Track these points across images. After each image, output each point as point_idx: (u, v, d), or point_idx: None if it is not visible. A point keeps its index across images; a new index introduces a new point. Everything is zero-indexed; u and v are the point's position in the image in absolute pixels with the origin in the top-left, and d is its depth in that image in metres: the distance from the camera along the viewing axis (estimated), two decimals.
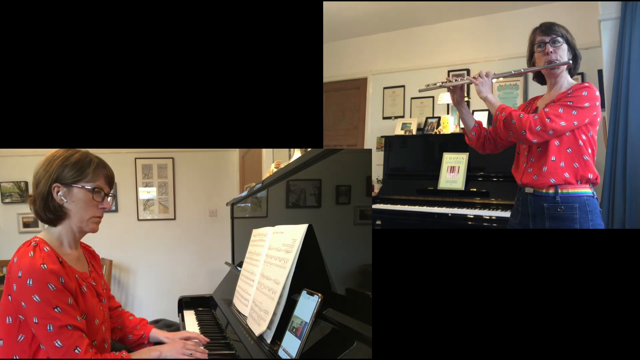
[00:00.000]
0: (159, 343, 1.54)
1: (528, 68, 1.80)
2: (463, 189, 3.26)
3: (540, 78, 1.84)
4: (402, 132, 4.05)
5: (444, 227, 3.08)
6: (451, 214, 3.07)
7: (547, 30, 1.71)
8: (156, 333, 1.59)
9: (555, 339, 1.18)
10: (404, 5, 3.74)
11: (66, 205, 1.27)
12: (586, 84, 1.65)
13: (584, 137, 1.66)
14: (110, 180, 1.37)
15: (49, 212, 1.27)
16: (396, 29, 4.32)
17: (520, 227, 1.80)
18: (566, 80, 1.74)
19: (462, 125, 2.03)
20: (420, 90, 1.96)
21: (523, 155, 1.80)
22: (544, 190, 1.69)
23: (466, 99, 3.78)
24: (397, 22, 4.19)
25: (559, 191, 1.66)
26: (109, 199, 1.36)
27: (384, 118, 4.43)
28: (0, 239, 4.29)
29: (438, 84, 1.88)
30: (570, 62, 1.71)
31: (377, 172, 4.02)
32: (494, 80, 3.82)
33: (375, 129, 4.47)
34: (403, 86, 4.30)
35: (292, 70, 1.46)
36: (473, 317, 1.21)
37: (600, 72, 3.10)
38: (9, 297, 1.18)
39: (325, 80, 4.32)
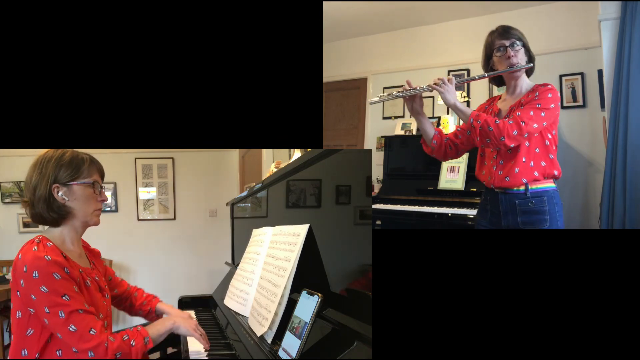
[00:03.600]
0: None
1: (491, 72, 1.81)
2: (463, 189, 3.26)
3: (497, 80, 1.89)
4: (402, 132, 4.05)
5: (444, 227, 3.08)
6: (451, 214, 3.07)
7: (505, 34, 1.75)
8: (161, 306, 1.70)
9: (557, 338, 1.18)
10: (404, 5, 3.74)
11: (68, 203, 1.31)
12: (549, 86, 1.71)
13: (549, 136, 1.72)
14: (102, 174, 1.42)
15: (53, 212, 1.30)
16: (396, 29, 4.32)
17: (490, 225, 1.84)
18: (525, 82, 1.80)
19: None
20: (371, 103, 1.94)
21: (490, 158, 1.82)
22: (514, 188, 1.74)
23: (466, 99, 3.78)
24: (397, 22, 4.18)
25: (529, 187, 1.72)
26: (105, 192, 1.43)
27: (384, 118, 4.43)
28: (0, 239, 4.29)
29: (394, 94, 1.79)
30: (532, 64, 1.77)
31: (377, 172, 4.02)
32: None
33: (375, 129, 4.47)
34: (403, 86, 4.30)
35: (292, 71, 1.46)
36: (473, 316, 1.21)
37: (600, 72, 3.10)
38: (18, 293, 1.22)
39: (325, 80, 4.31)
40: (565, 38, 3.37)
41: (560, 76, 3.35)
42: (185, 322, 1.43)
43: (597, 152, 3.17)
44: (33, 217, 1.32)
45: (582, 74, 3.28)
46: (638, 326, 1.15)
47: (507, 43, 1.73)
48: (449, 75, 3.74)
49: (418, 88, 1.77)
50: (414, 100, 1.82)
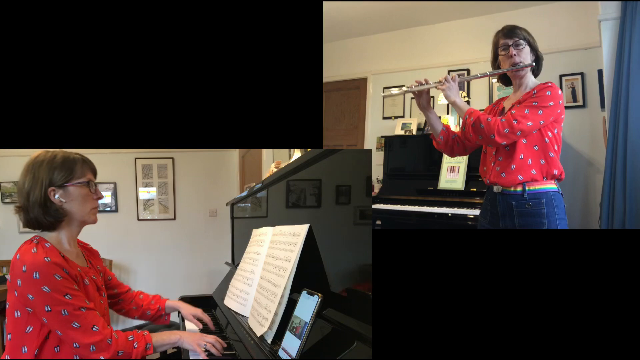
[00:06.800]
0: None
1: (493, 71, 1.85)
2: (463, 189, 3.26)
3: (504, 80, 1.90)
4: (402, 132, 4.05)
5: (444, 227, 3.08)
6: (451, 214, 3.07)
7: (509, 33, 1.77)
8: (171, 303, 1.71)
9: (557, 339, 1.18)
10: (404, 5, 3.74)
11: (65, 205, 1.32)
12: (549, 84, 1.71)
13: (550, 134, 1.71)
14: (95, 172, 1.42)
15: (49, 216, 1.30)
16: (396, 29, 4.32)
17: (490, 226, 1.85)
18: (530, 81, 1.80)
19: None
20: (384, 96, 1.99)
21: (490, 155, 1.84)
22: (511, 189, 1.74)
23: (466, 98, 3.78)
24: (397, 22, 4.19)
25: (527, 188, 1.71)
26: (100, 190, 1.44)
27: (384, 118, 4.43)
28: (0, 239, 4.29)
29: (404, 89, 1.89)
30: (534, 64, 1.78)
31: (377, 172, 4.02)
32: (494, 81, 3.82)
33: (375, 129, 4.47)
34: (403, 86, 4.29)
35: (292, 71, 1.46)
36: (473, 316, 1.21)
37: (600, 72, 3.10)
38: (15, 292, 1.22)
39: (325, 80, 4.32)
40: (565, 38, 3.37)
41: (560, 76, 3.36)
42: (190, 337, 1.44)
43: (597, 152, 3.17)
44: (28, 223, 1.31)
45: (582, 74, 3.28)
46: (638, 326, 1.15)
47: (510, 42, 1.76)
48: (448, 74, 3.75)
49: (425, 84, 1.85)
50: (421, 96, 1.90)
